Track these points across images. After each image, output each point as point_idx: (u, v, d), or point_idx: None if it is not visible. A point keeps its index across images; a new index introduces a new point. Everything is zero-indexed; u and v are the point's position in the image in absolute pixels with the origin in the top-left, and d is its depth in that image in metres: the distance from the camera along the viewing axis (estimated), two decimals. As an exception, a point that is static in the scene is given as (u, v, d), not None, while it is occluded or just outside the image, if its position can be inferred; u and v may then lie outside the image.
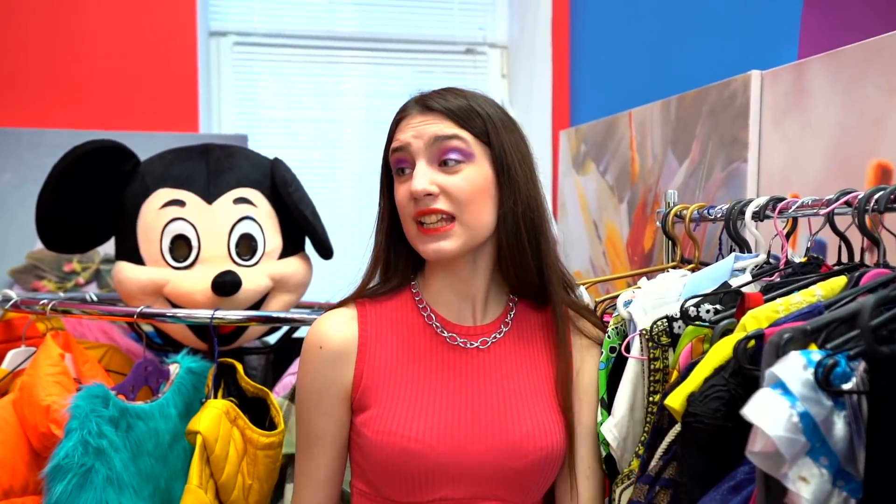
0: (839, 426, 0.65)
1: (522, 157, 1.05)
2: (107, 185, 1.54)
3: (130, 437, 1.21)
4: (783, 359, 0.67)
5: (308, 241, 1.62)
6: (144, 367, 1.37)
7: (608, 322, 1.12)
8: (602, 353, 1.08)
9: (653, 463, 0.86)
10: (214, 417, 1.23)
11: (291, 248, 1.58)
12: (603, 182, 2.02)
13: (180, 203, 1.49)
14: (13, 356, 1.38)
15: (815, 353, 0.66)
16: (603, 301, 1.21)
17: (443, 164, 1.01)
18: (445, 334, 1.06)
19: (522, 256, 1.03)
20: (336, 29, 2.80)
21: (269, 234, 1.53)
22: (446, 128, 1.01)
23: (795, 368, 0.65)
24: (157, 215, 1.49)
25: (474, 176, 1.01)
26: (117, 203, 1.54)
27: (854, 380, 0.64)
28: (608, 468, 1.05)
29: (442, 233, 1.00)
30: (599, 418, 1.07)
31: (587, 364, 1.09)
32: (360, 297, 1.09)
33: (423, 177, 0.99)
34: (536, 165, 1.08)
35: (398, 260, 1.09)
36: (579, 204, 2.15)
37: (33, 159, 2.20)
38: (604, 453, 1.05)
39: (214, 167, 1.55)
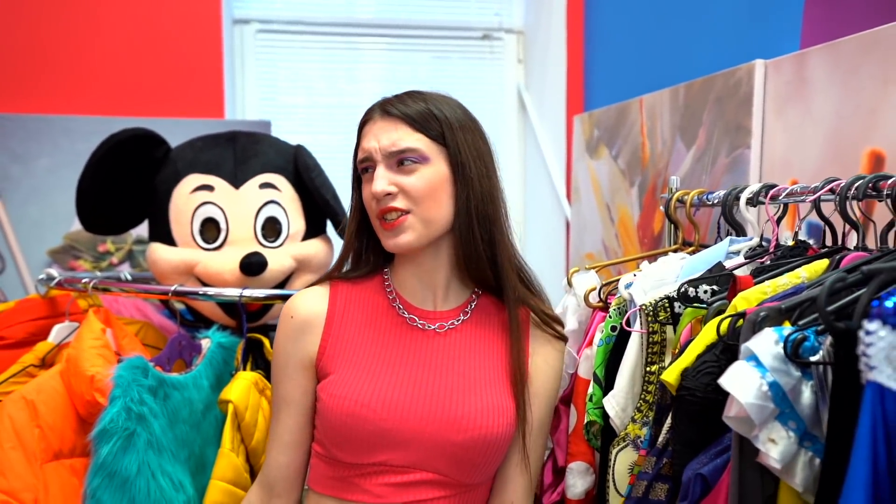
0: (806, 394, 0.73)
1: (479, 154, 1.13)
2: (140, 170, 1.63)
3: (168, 405, 1.31)
4: (757, 335, 0.75)
5: (329, 224, 1.71)
6: (179, 342, 1.46)
7: (611, 303, 1.18)
8: (602, 333, 1.14)
9: (660, 438, 0.93)
10: (245, 388, 1.32)
11: (314, 230, 1.66)
12: (615, 166, 2.08)
13: (209, 188, 1.58)
14: (58, 330, 1.48)
15: (787, 329, 0.74)
16: (606, 285, 1.28)
17: (400, 164, 1.10)
18: (406, 315, 1.15)
19: (475, 247, 1.11)
20: (355, 16, 2.87)
21: (293, 218, 1.62)
22: (404, 134, 1.10)
23: (767, 343, 0.73)
24: (187, 199, 1.58)
25: (429, 174, 1.09)
26: (150, 188, 1.63)
27: (821, 352, 0.72)
28: (605, 436, 1.12)
29: (398, 226, 1.09)
30: (591, 391, 1.14)
31: (548, 363, 1.16)
32: (335, 278, 1.19)
33: (383, 178, 1.09)
34: (496, 162, 1.16)
35: (370, 249, 1.19)
36: (592, 187, 2.22)
37: (67, 144, 2.30)
38: (600, 424, 1.11)
39: (241, 154, 1.63)
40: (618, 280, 1.28)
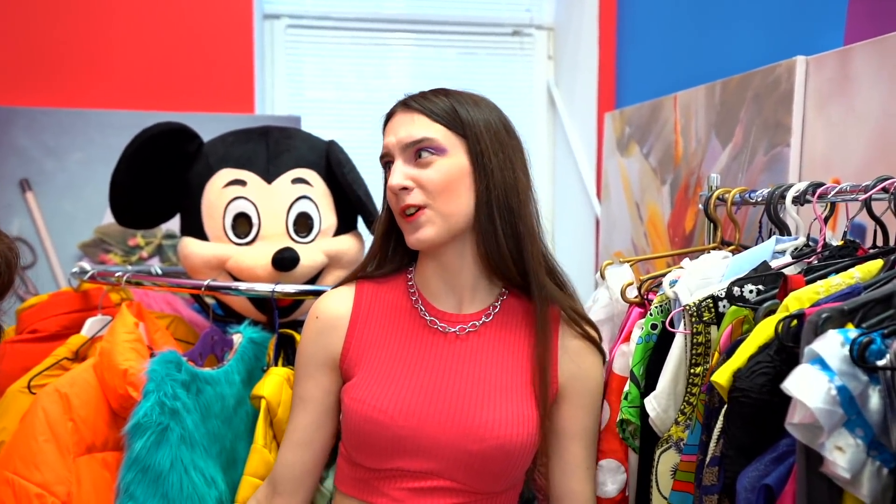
0: (874, 400, 0.69)
1: (501, 145, 1.09)
2: (173, 165, 1.62)
3: (200, 400, 1.30)
4: (822, 336, 0.71)
5: (361, 220, 1.70)
6: (211, 337, 1.46)
7: (653, 300, 1.16)
8: (641, 330, 1.11)
9: (712, 444, 0.89)
10: (277, 384, 1.32)
11: (345, 226, 1.65)
12: (646, 164, 2.05)
13: (242, 183, 1.57)
14: (91, 324, 1.49)
15: (852, 332, 0.71)
16: (647, 280, 1.25)
17: (418, 158, 1.08)
18: (428, 318, 1.12)
19: (496, 240, 1.08)
20: (384, 11, 2.86)
21: (325, 213, 1.61)
22: (421, 126, 1.08)
23: (833, 345, 0.69)
24: (220, 194, 1.57)
25: (447, 167, 1.07)
26: (183, 182, 1.63)
27: (888, 356, 0.68)
28: (645, 437, 1.10)
29: (416, 219, 1.07)
30: (627, 389, 1.11)
31: (578, 365, 1.12)
32: (360, 277, 1.18)
33: (399, 173, 1.07)
34: (525, 157, 1.13)
35: (396, 246, 1.17)
36: (622, 185, 2.19)
37: (100, 139, 2.32)
38: (636, 424, 1.08)
39: (273, 148, 1.62)
40: (659, 275, 1.24)
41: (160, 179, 1.63)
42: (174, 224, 1.72)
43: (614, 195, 2.24)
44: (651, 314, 1.13)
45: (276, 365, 1.41)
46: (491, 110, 1.12)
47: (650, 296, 1.21)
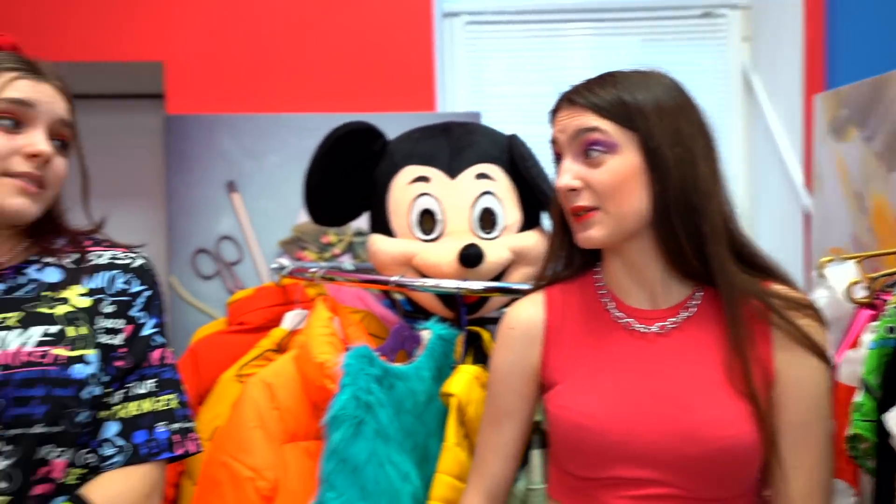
0: None
1: (679, 138, 1.00)
2: (360, 163, 1.66)
3: (392, 395, 1.31)
4: None
5: (546, 215, 1.64)
6: (401, 333, 1.47)
7: (888, 300, 1.01)
8: (874, 334, 0.99)
9: None
10: (467, 381, 1.30)
11: (530, 222, 1.60)
12: (868, 150, 1.83)
13: (426, 179, 1.57)
14: (290, 317, 1.56)
15: None
16: (880, 276, 1.11)
17: (587, 156, 1.01)
18: (623, 320, 1.07)
19: (678, 242, 1.01)
20: (562, 1, 2.79)
21: (509, 209, 1.57)
22: (587, 121, 1.01)
23: None
24: (405, 191, 1.58)
25: (618, 166, 1.00)
26: (369, 180, 1.66)
27: None
28: (883, 458, 0.96)
29: (587, 220, 1.03)
30: (859, 399, 0.99)
31: (799, 357, 1.00)
32: (547, 283, 1.15)
33: (567, 172, 1.03)
34: (711, 145, 1.03)
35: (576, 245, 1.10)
36: (838, 175, 1.96)
37: (294, 141, 2.45)
38: (872, 441, 0.96)
39: (456, 144, 1.61)
40: (891, 273, 1.11)
41: (349, 178, 1.67)
42: (363, 221, 1.76)
43: (828, 186, 2.02)
44: (887, 315, 1.00)
45: (463, 362, 1.39)
46: (665, 89, 1.03)
47: (883, 296, 1.08)
